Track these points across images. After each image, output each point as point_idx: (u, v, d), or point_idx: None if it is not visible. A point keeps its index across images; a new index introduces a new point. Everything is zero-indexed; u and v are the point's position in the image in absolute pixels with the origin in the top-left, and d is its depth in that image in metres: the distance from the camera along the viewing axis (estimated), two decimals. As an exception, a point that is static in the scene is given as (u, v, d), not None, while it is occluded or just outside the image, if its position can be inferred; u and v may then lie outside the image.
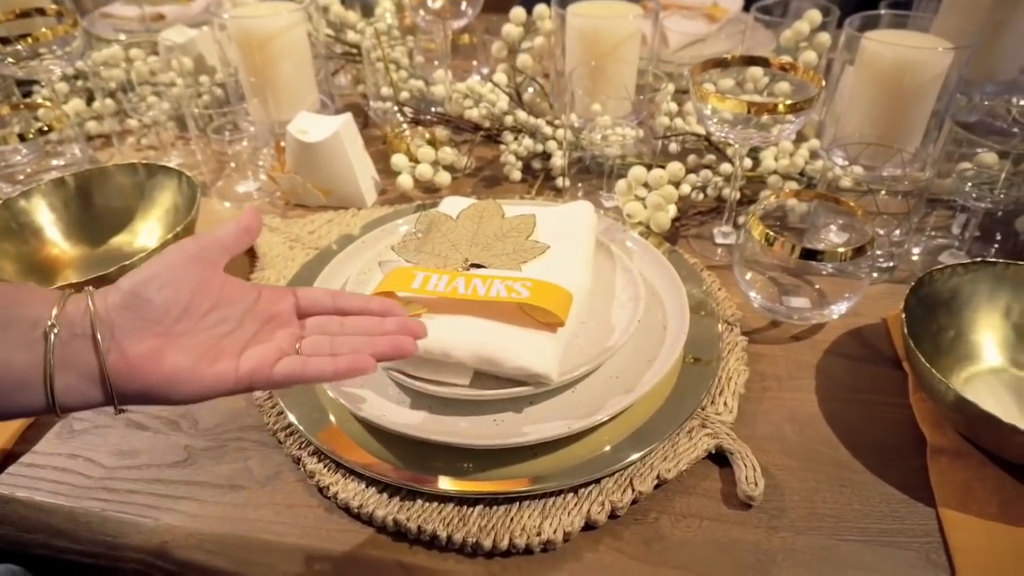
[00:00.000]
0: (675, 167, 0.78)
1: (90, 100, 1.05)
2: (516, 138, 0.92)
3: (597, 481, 0.52)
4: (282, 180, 0.86)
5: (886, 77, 0.78)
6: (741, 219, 0.79)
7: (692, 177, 0.82)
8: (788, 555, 0.49)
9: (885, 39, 0.79)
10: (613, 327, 0.60)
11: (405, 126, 0.94)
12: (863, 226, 0.64)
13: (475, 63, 1.14)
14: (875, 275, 0.73)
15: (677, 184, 0.79)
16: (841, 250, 0.61)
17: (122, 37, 1.18)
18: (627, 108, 0.84)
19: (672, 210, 0.77)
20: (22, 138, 0.85)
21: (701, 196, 0.83)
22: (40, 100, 0.95)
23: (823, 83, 0.71)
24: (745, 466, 0.53)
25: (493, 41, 0.99)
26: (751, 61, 0.76)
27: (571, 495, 0.52)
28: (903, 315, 0.57)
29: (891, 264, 0.74)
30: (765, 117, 0.66)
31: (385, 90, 1.00)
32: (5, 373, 0.37)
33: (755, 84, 0.82)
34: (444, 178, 0.89)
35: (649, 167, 0.79)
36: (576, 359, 0.56)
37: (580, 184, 0.90)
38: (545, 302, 0.55)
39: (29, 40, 0.86)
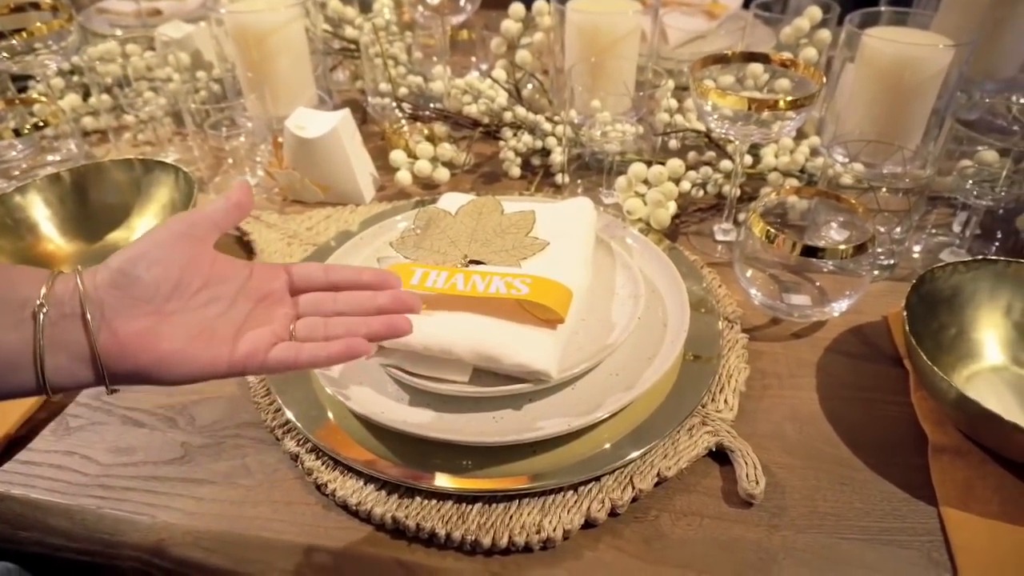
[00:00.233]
0: (675, 164, 0.78)
1: (86, 95, 1.05)
2: (515, 134, 0.91)
3: (597, 479, 0.52)
4: (280, 176, 0.86)
5: (886, 74, 0.78)
6: (741, 216, 0.79)
7: (692, 174, 0.82)
8: (789, 554, 0.48)
9: (885, 36, 0.79)
10: (613, 324, 0.60)
11: (404, 122, 0.93)
12: (864, 223, 0.64)
13: (474, 59, 1.14)
14: (876, 273, 0.73)
15: (677, 181, 0.79)
16: (842, 247, 0.60)
17: (118, 32, 1.17)
18: (627, 104, 0.84)
19: (672, 207, 0.77)
20: (17, 133, 0.84)
21: (701, 193, 0.83)
22: (36, 95, 0.95)
23: (823, 80, 0.70)
24: (746, 464, 0.52)
25: (492, 37, 0.99)
26: (751, 57, 0.76)
27: (571, 493, 0.51)
28: (904, 313, 0.57)
29: (892, 262, 0.74)
30: (765, 114, 0.66)
31: (383, 86, 1.00)
32: None
33: (755, 81, 0.81)
34: (443, 174, 0.89)
35: (649, 164, 0.78)
36: (576, 356, 0.56)
37: (580, 181, 0.90)
38: (545, 299, 0.54)
39: (24, 35, 0.85)
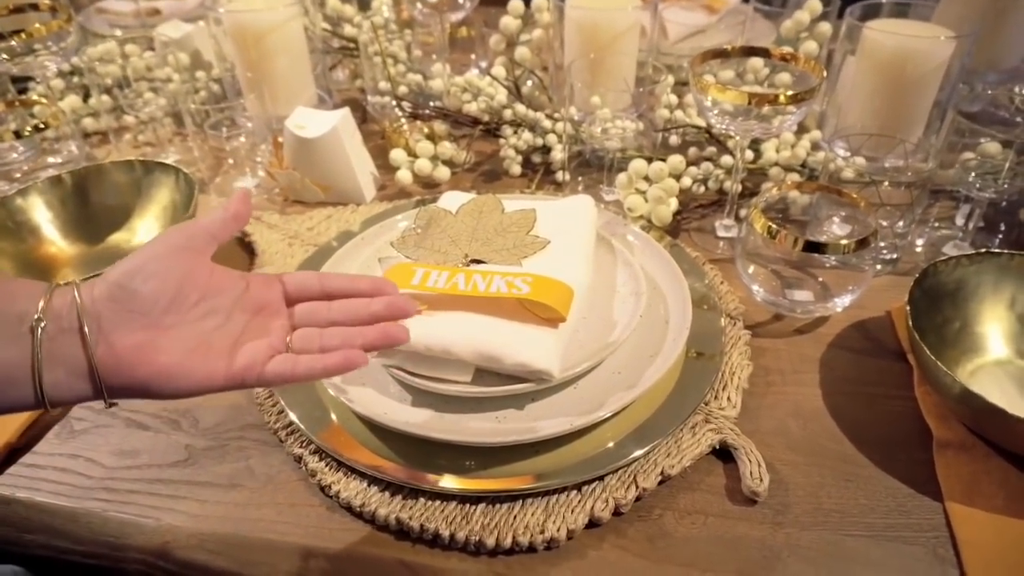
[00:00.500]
0: (676, 160, 0.78)
1: (86, 96, 1.05)
2: (515, 132, 0.91)
3: (600, 478, 0.52)
4: (280, 176, 0.86)
5: (888, 67, 0.78)
6: (743, 212, 0.78)
7: (693, 170, 0.81)
8: (793, 551, 0.48)
9: (886, 28, 0.78)
10: (615, 322, 0.60)
11: (403, 121, 0.93)
12: (866, 218, 0.64)
13: (473, 56, 1.13)
14: (878, 267, 0.72)
15: (678, 177, 0.79)
16: (844, 242, 0.60)
17: (117, 32, 1.17)
18: (627, 101, 0.84)
19: (673, 203, 0.77)
20: (18, 135, 0.84)
21: (702, 189, 0.83)
22: (36, 97, 0.95)
23: (824, 73, 0.70)
24: (749, 461, 0.52)
25: (491, 34, 0.99)
26: (751, 52, 0.76)
27: (574, 492, 0.51)
28: (907, 307, 0.57)
29: (894, 256, 0.73)
30: (766, 108, 0.66)
31: (383, 84, 0.99)
32: None
33: (755, 75, 0.81)
34: (443, 173, 0.89)
35: (650, 160, 0.78)
36: (578, 355, 0.56)
37: (580, 178, 0.89)
38: (546, 298, 0.54)
39: (23, 36, 0.85)
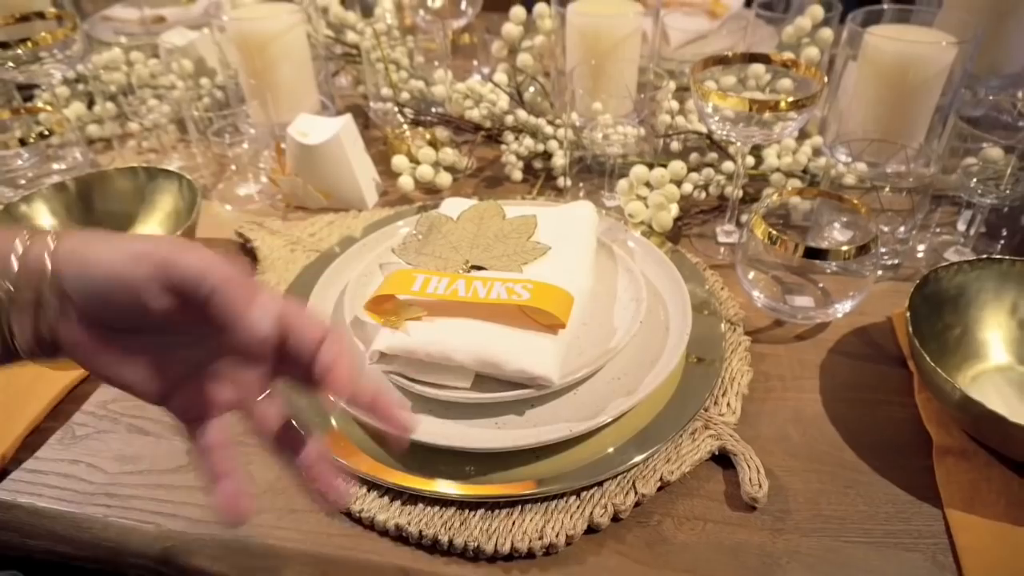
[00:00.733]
0: (677, 166, 0.78)
1: (91, 104, 1.05)
2: (517, 138, 0.91)
3: (600, 484, 0.52)
4: (283, 182, 0.86)
5: (889, 72, 0.78)
6: (744, 218, 0.79)
7: (694, 176, 0.81)
8: (793, 557, 0.48)
9: (888, 34, 0.78)
10: (615, 328, 0.60)
11: (406, 127, 0.93)
12: (867, 224, 0.64)
13: (475, 63, 1.14)
14: (879, 273, 0.72)
15: (679, 183, 0.79)
16: (845, 248, 0.60)
17: (122, 40, 1.18)
18: (628, 107, 0.84)
19: (674, 209, 0.77)
20: (23, 142, 0.85)
21: (703, 195, 0.83)
22: (41, 104, 0.95)
23: (825, 79, 0.70)
24: (749, 467, 0.52)
25: (493, 40, 0.99)
26: (753, 58, 0.76)
27: (573, 498, 0.51)
28: (908, 313, 0.57)
29: (896, 262, 0.73)
30: (767, 114, 0.66)
31: (385, 91, 1.00)
32: None
33: (757, 81, 0.81)
34: (445, 179, 0.89)
35: (651, 166, 0.78)
36: (578, 361, 0.56)
37: (582, 184, 0.90)
38: (546, 304, 0.54)
39: (29, 44, 0.85)
